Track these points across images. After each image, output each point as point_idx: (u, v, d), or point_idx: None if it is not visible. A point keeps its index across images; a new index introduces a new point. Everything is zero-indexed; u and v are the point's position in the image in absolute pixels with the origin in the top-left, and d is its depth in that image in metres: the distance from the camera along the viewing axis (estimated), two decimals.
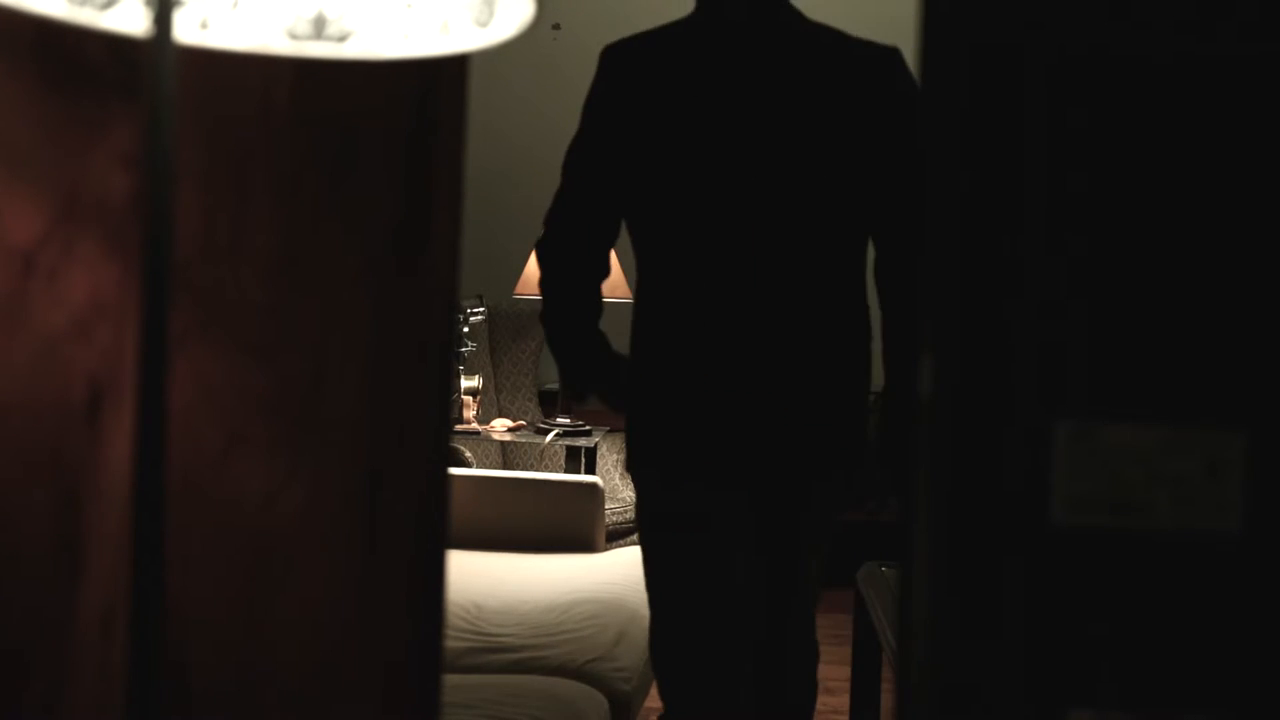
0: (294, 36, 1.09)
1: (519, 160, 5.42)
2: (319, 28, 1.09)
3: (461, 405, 4.01)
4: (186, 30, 1.08)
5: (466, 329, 4.21)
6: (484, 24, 1.08)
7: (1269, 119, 0.86)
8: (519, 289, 4.03)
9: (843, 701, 3.50)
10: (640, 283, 2.17)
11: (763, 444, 2.07)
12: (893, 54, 2.10)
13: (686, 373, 2.06)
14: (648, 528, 2.18)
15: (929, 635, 0.88)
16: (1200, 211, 0.87)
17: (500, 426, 4.08)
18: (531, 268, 4.00)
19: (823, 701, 3.71)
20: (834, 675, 3.92)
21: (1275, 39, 0.85)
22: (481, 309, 4.44)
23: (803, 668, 2.29)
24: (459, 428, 3.96)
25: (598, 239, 2.15)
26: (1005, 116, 0.87)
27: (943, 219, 0.88)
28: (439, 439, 1.25)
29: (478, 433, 3.99)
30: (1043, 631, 0.87)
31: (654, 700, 3.07)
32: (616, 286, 3.97)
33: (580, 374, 2.21)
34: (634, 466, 2.17)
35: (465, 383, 4.03)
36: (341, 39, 1.09)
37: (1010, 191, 0.87)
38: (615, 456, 4.66)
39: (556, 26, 5.40)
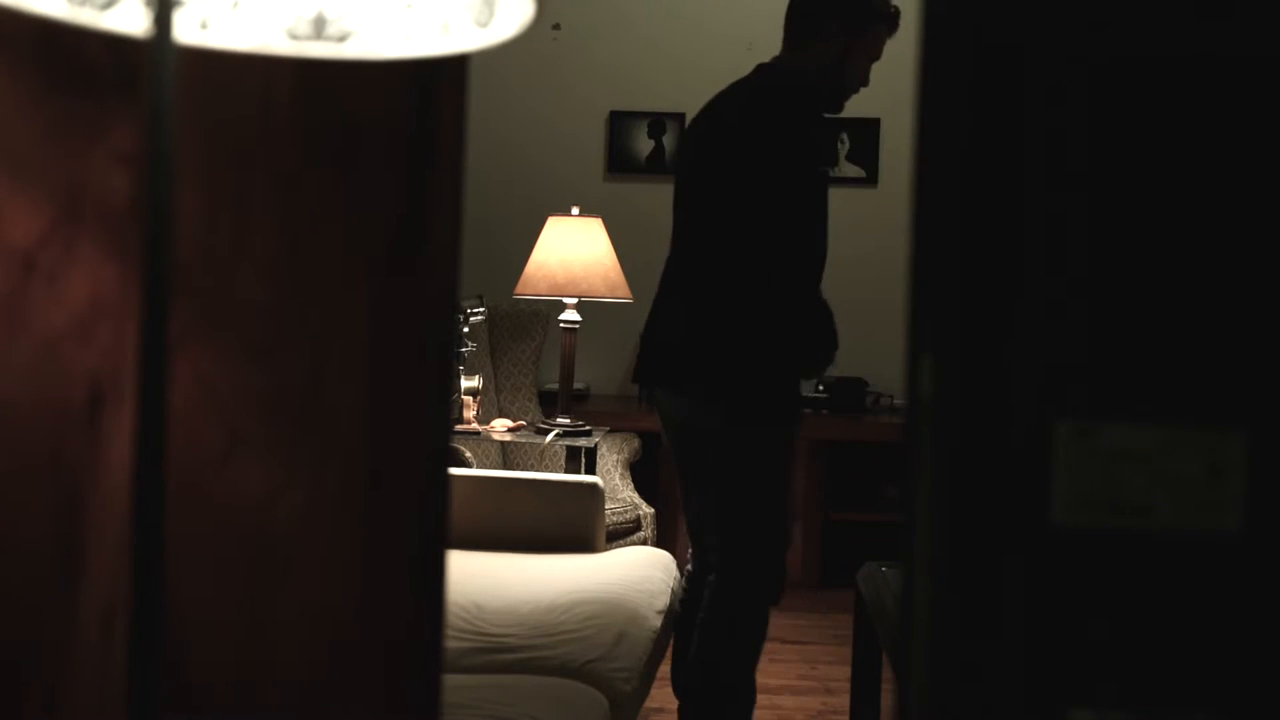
0: (294, 36, 1.09)
1: (519, 160, 5.42)
2: (319, 28, 1.09)
3: (461, 405, 4.01)
4: (186, 30, 1.08)
5: (466, 329, 4.20)
6: (484, 24, 1.08)
7: (1270, 120, 0.86)
8: (519, 289, 4.03)
9: (843, 701, 3.50)
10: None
11: (660, 369, 2.97)
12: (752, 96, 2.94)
13: (652, 318, 3.05)
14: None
15: (929, 635, 0.88)
16: (1201, 211, 0.87)
17: (500, 426, 4.08)
18: (532, 267, 4.00)
19: (822, 701, 3.72)
20: (834, 675, 3.92)
21: (1277, 40, 0.85)
22: (481, 309, 4.44)
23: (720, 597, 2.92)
24: (459, 428, 3.96)
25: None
26: (1005, 116, 0.87)
27: (943, 219, 0.88)
28: (439, 439, 1.25)
29: (478, 433, 3.99)
30: (1043, 631, 0.87)
31: (654, 700, 3.07)
32: (617, 287, 3.97)
33: None
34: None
35: (465, 383, 4.02)
36: (341, 39, 1.09)
37: (1010, 191, 0.87)
38: (615, 456, 4.65)
39: (556, 26, 5.40)
